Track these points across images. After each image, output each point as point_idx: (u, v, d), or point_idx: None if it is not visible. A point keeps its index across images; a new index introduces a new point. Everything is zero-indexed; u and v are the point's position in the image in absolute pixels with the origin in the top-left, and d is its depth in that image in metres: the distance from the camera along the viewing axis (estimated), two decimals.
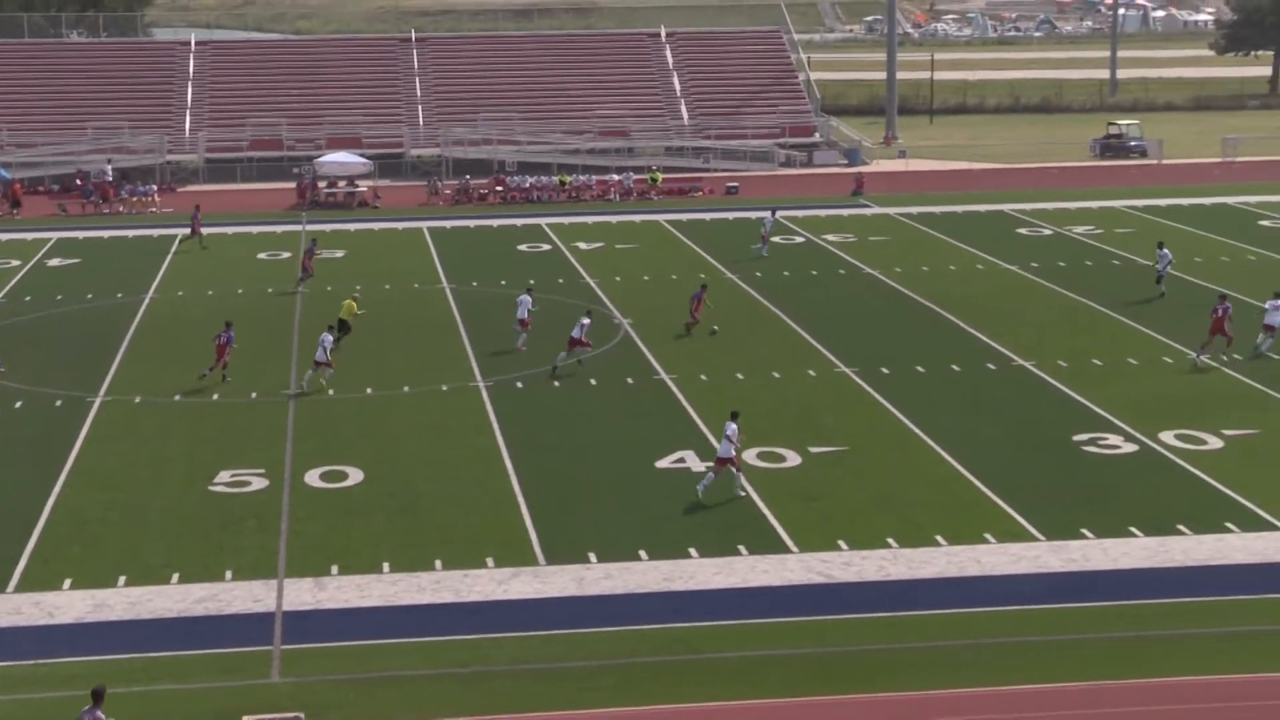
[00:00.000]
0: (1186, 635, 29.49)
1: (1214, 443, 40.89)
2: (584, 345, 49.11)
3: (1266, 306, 50.51)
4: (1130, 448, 40.64)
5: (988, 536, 34.53)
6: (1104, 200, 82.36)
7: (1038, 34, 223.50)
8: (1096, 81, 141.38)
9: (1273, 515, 35.47)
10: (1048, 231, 73.52)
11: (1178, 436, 41.38)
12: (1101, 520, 35.31)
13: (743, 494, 37.25)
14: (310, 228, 75.64)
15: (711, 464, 37.80)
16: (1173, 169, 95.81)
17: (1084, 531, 34.67)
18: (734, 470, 37.21)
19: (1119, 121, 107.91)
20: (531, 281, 57.98)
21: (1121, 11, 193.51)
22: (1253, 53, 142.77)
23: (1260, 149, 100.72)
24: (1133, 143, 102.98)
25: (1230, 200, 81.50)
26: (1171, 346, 51.00)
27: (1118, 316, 55.49)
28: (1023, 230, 73.97)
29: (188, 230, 72.66)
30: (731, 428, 37.15)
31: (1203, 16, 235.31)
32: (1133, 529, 34.75)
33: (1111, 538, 34.31)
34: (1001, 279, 62.49)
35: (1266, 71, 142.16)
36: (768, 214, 70.70)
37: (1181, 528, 34.81)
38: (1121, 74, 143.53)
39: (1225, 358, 49.19)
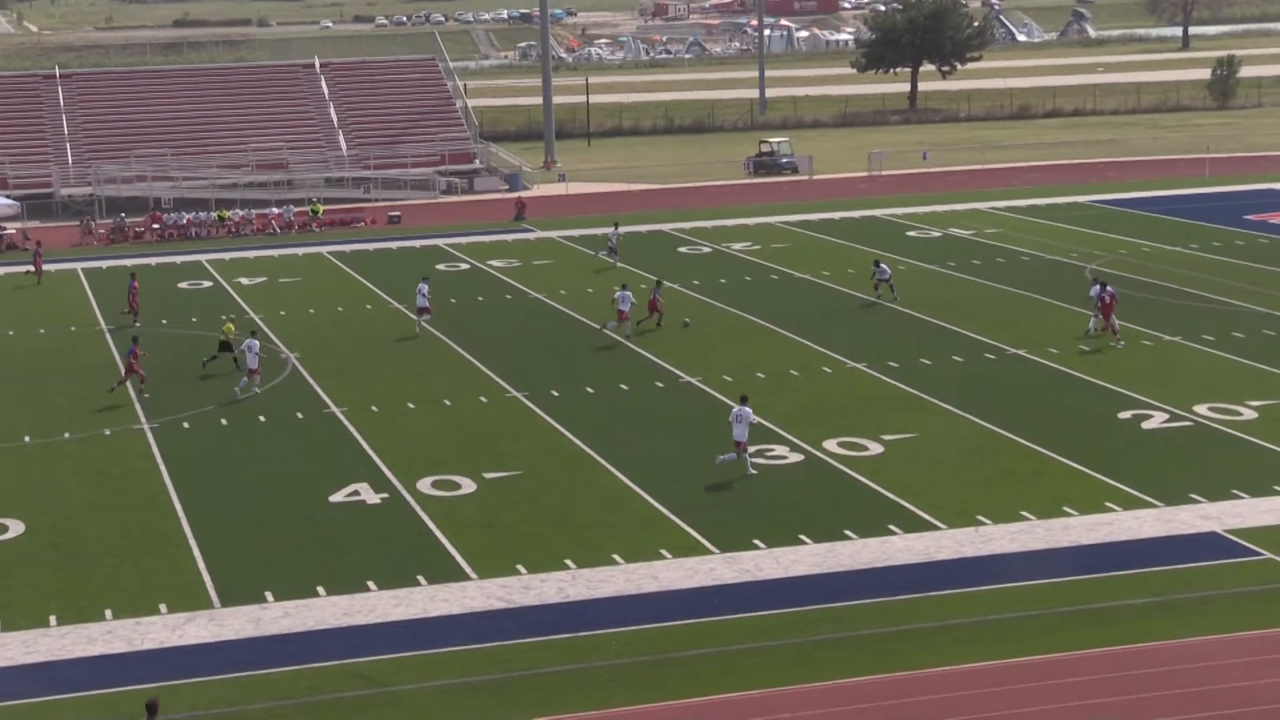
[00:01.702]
0: (856, 636, 30.42)
1: (875, 448, 42.27)
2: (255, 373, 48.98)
3: (1092, 294, 54.26)
4: (796, 457, 41.74)
5: (664, 552, 35.07)
6: (759, 217, 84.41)
7: (688, 56, 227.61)
8: (747, 101, 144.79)
9: (933, 516, 36.83)
10: (707, 249, 75.02)
11: (840, 444, 42.65)
12: (772, 530, 36.18)
13: (754, 473, 39.76)
14: (86, 264, 72.87)
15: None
16: (823, 184, 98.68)
17: (756, 542, 35.47)
18: (744, 453, 39.76)
19: (770, 139, 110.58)
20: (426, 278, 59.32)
21: (767, 33, 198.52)
22: (892, 70, 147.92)
23: (902, 163, 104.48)
24: (784, 160, 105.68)
25: (878, 213, 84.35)
26: (830, 356, 52.54)
27: (778, 329, 56.91)
28: (683, 249, 75.33)
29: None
30: (746, 410, 39.91)
31: (843, 36, 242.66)
32: (802, 537, 35.69)
33: (782, 546, 35.18)
34: (666, 298, 63.45)
35: (905, 88, 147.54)
36: (611, 229, 72.65)
37: (848, 533, 35.89)
38: (770, 93, 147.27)
39: (1117, 340, 52.41)
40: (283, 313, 62.61)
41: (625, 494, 39.30)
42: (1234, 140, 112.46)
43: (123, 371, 50.54)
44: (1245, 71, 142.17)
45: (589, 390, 49.30)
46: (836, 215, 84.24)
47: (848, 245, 74.26)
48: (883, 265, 61.72)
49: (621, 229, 73.95)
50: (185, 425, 46.54)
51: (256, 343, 49.86)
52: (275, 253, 78.41)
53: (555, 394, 48.86)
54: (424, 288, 58.64)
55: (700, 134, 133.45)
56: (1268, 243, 70.88)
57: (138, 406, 48.79)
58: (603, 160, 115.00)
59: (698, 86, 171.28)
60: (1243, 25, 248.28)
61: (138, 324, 60.09)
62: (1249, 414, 44.13)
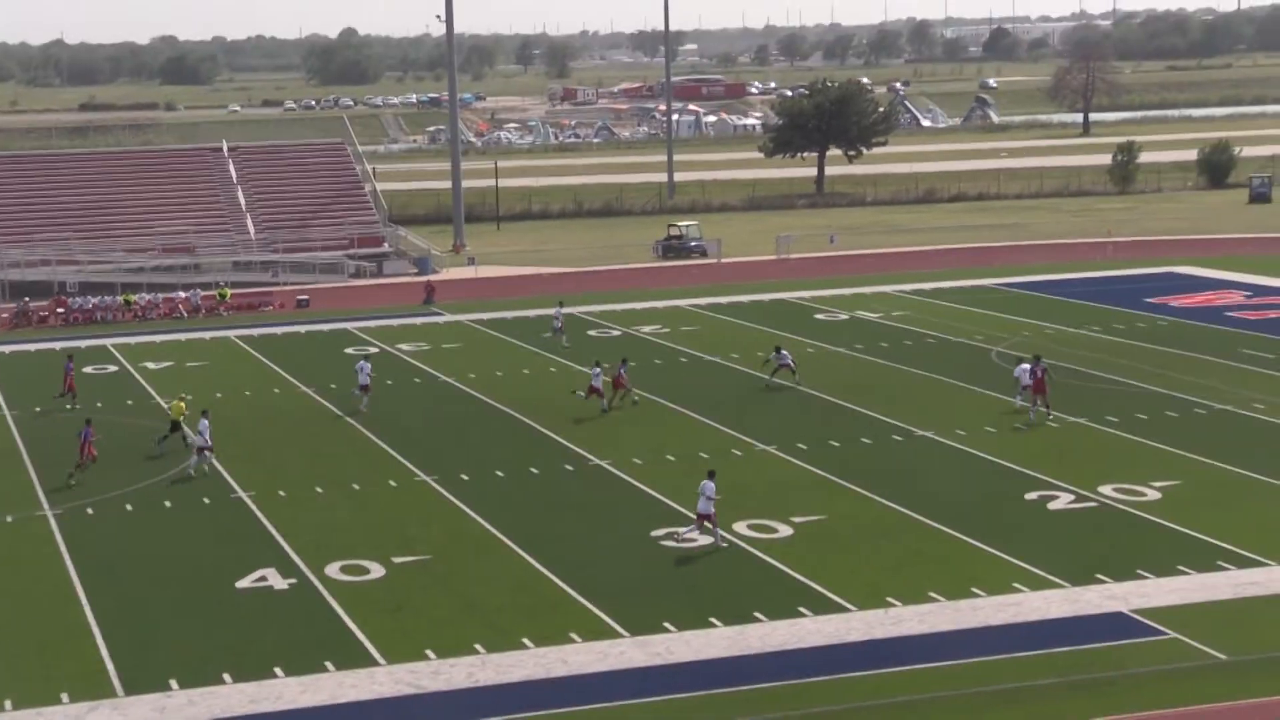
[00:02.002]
0: None
1: (784, 530, 42.40)
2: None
3: (1017, 374, 55.96)
4: (706, 540, 41.75)
5: (574, 636, 34.95)
6: (669, 300, 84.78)
7: (597, 140, 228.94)
8: (655, 185, 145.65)
9: (843, 598, 36.94)
10: (616, 332, 75.21)
11: (750, 526, 42.75)
12: (683, 612, 36.16)
13: (725, 544, 40.74)
14: None
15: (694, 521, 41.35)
16: (732, 267, 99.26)
17: (666, 625, 35.43)
18: (710, 525, 40.74)
19: (679, 223, 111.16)
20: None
21: (675, 117, 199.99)
22: (799, 155, 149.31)
23: (810, 246, 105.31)
24: (693, 243, 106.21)
25: (786, 295, 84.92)
26: (740, 439, 52.72)
27: (688, 412, 57.05)
28: (593, 332, 75.46)
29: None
30: (710, 486, 40.64)
31: (751, 121, 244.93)
32: (713, 619, 35.68)
33: (693, 629, 35.16)
34: (576, 380, 63.55)
35: (813, 172, 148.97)
36: (556, 309, 73.32)
37: (758, 615, 35.92)
38: (679, 177, 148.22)
39: (1049, 416, 53.76)
40: (189, 397, 62.02)
41: (535, 577, 39.17)
42: (1134, 224, 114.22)
43: (80, 458, 49.92)
44: (1144, 157, 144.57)
45: (498, 473, 49.19)
46: (745, 298, 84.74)
47: (757, 328, 74.66)
48: (783, 351, 61.91)
49: (562, 309, 73.93)
50: (90, 511, 45.99)
51: (206, 423, 50.15)
52: (182, 336, 77.84)
53: (465, 477, 48.71)
54: (366, 366, 59.83)
55: (609, 217, 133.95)
56: (1168, 325, 71.92)
57: (40, 492, 48.18)
58: (512, 244, 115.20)
59: (606, 170, 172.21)
60: (1140, 112, 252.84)
61: (75, 406, 59.27)
62: (1152, 494, 44.64)
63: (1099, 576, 37.83)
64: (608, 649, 34.23)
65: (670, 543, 41.35)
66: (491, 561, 40.57)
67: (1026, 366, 55.75)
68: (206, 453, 50.05)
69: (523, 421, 56.28)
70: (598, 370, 58.26)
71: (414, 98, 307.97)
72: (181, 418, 53.29)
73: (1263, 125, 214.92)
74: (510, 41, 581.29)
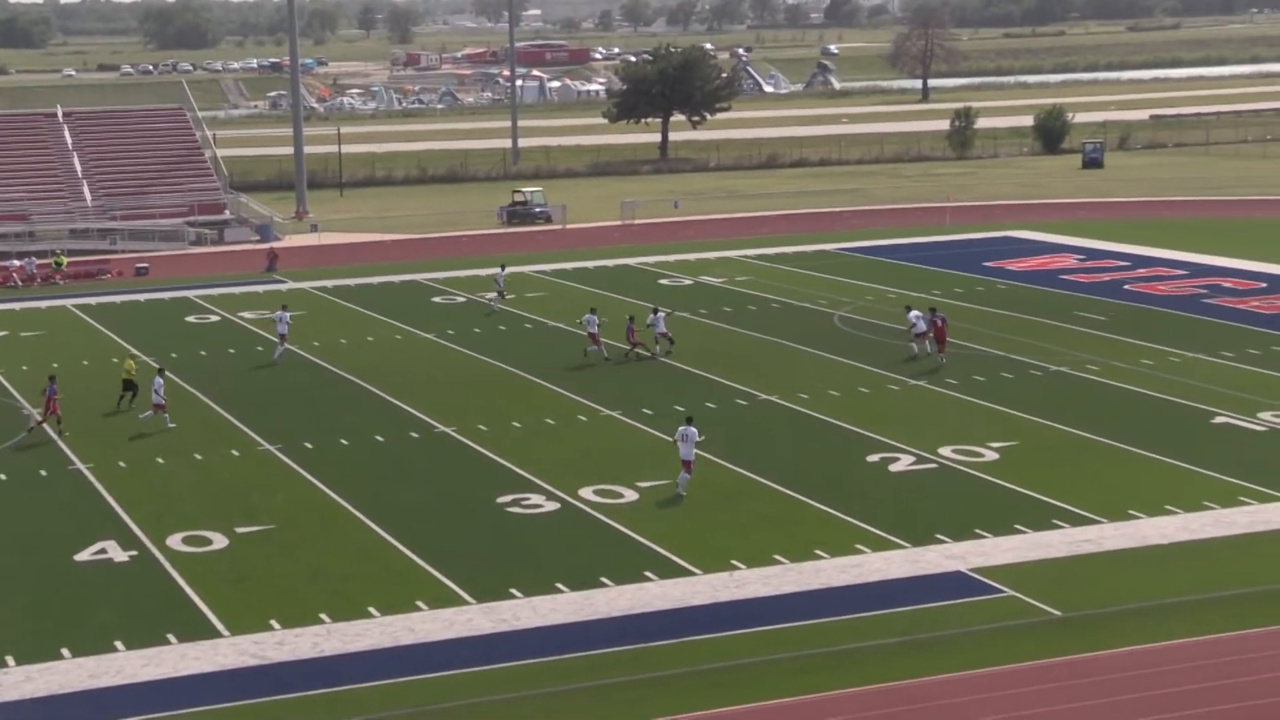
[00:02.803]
0: (611, 684, 30.57)
1: (630, 495, 42.60)
2: None
3: (911, 318, 58.38)
4: (552, 506, 41.88)
5: (420, 604, 34.88)
6: (514, 266, 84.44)
7: (441, 106, 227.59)
8: (500, 151, 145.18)
9: (688, 562, 37.22)
10: (461, 299, 74.96)
11: (596, 492, 42.90)
12: (529, 579, 36.23)
13: (683, 495, 41.95)
14: None
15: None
16: (576, 233, 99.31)
17: (513, 591, 35.48)
18: (686, 474, 42.01)
19: (523, 189, 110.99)
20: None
21: (519, 83, 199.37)
22: (643, 120, 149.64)
23: (654, 211, 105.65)
24: (537, 209, 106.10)
25: (631, 261, 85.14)
26: (585, 405, 52.85)
27: (533, 379, 57.07)
28: (438, 299, 75.14)
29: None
30: (691, 430, 41.97)
31: (595, 86, 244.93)
32: (559, 585, 35.80)
33: (539, 595, 35.25)
34: (420, 348, 63.32)
35: (656, 138, 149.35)
36: (498, 270, 73.81)
37: (604, 580, 36.09)
38: (523, 143, 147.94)
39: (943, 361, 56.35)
40: (25, 367, 60.96)
41: (381, 546, 39.02)
42: (972, 189, 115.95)
43: (42, 412, 50.39)
44: (981, 123, 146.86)
45: (343, 442, 48.88)
46: (590, 264, 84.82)
47: (602, 294, 74.76)
48: (660, 313, 61.88)
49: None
50: None
51: (160, 380, 51.07)
52: (17, 306, 76.32)
53: (309, 446, 48.34)
54: (285, 315, 61.45)
55: (454, 183, 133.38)
56: (1006, 288, 73.14)
57: None
58: (356, 210, 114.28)
59: (451, 136, 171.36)
60: (978, 79, 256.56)
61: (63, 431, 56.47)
62: (990, 455, 45.46)
63: (939, 537, 38.47)
64: (454, 616, 34.21)
65: (516, 509, 41.41)
66: (337, 530, 40.34)
67: (918, 313, 57.98)
68: (161, 410, 50.70)
69: (368, 389, 55.95)
70: (591, 318, 60.57)
71: (255, 63, 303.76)
72: (134, 375, 53.77)
73: (1095, 92, 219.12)
74: (352, 6, 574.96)
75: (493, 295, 72.50)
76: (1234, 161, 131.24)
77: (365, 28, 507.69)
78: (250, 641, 32.94)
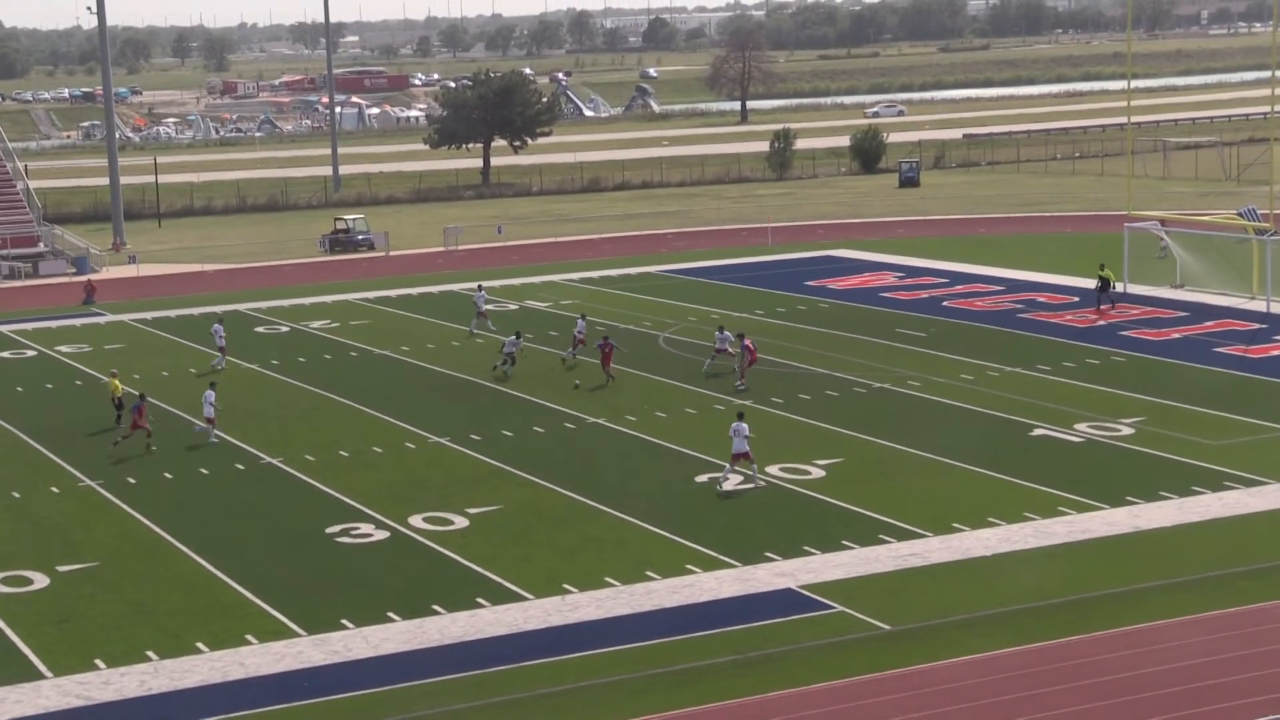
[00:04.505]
0: (447, 712, 30.45)
1: (460, 522, 42.46)
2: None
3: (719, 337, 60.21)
4: (382, 534, 41.61)
5: (249, 638, 34.44)
6: (337, 294, 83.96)
7: (259, 134, 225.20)
8: (321, 178, 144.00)
9: (520, 587, 37.18)
10: (285, 328, 74.21)
11: (426, 520, 42.71)
12: (360, 609, 35.94)
13: (763, 483, 44.26)
14: None
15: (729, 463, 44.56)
16: (400, 260, 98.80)
17: (344, 622, 35.18)
18: (749, 461, 44.15)
19: (345, 216, 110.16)
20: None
21: (339, 110, 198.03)
22: (464, 146, 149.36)
23: (478, 237, 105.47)
24: (360, 237, 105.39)
25: (455, 287, 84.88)
26: (413, 432, 52.59)
27: (360, 407, 56.66)
28: (260, 329, 74.33)
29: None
30: (744, 426, 44.02)
31: (415, 112, 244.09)
32: (391, 614, 35.57)
33: (371, 625, 34.99)
34: (244, 378, 62.56)
35: (478, 163, 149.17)
36: (477, 292, 72.80)
37: (437, 608, 35.92)
38: (344, 170, 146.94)
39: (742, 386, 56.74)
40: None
41: (208, 580, 38.48)
42: (792, 209, 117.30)
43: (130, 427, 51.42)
44: (800, 144, 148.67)
45: (167, 475, 48.14)
46: (415, 290, 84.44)
47: (427, 320, 74.49)
48: (517, 338, 62.01)
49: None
50: None
51: (212, 393, 52.47)
52: None
53: (131, 481, 47.54)
54: (219, 328, 65.19)
55: (274, 212, 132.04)
56: (828, 307, 74.08)
57: None
58: (174, 241, 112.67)
59: (270, 165, 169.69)
60: (796, 100, 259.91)
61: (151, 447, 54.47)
62: (817, 473, 46.00)
63: (768, 555, 38.83)
64: (285, 649, 33.83)
65: (345, 539, 41.09)
66: (163, 566, 39.71)
67: (729, 335, 59.32)
68: (211, 424, 52.13)
69: (192, 422, 55.13)
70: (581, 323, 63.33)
71: (66, 92, 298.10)
72: (121, 395, 54.16)
73: (909, 111, 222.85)
74: (166, 34, 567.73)
75: (474, 322, 71.18)
76: (1044, 178, 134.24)
77: (180, 56, 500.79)
78: (74, 682, 32.28)
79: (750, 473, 44.84)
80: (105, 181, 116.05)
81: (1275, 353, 60.57)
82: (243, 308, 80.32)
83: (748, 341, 58.34)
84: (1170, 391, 54.54)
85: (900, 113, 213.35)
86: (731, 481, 44.75)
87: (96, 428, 54.82)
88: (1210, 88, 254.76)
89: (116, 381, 55.18)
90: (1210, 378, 56.98)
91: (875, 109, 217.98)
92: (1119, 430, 49.68)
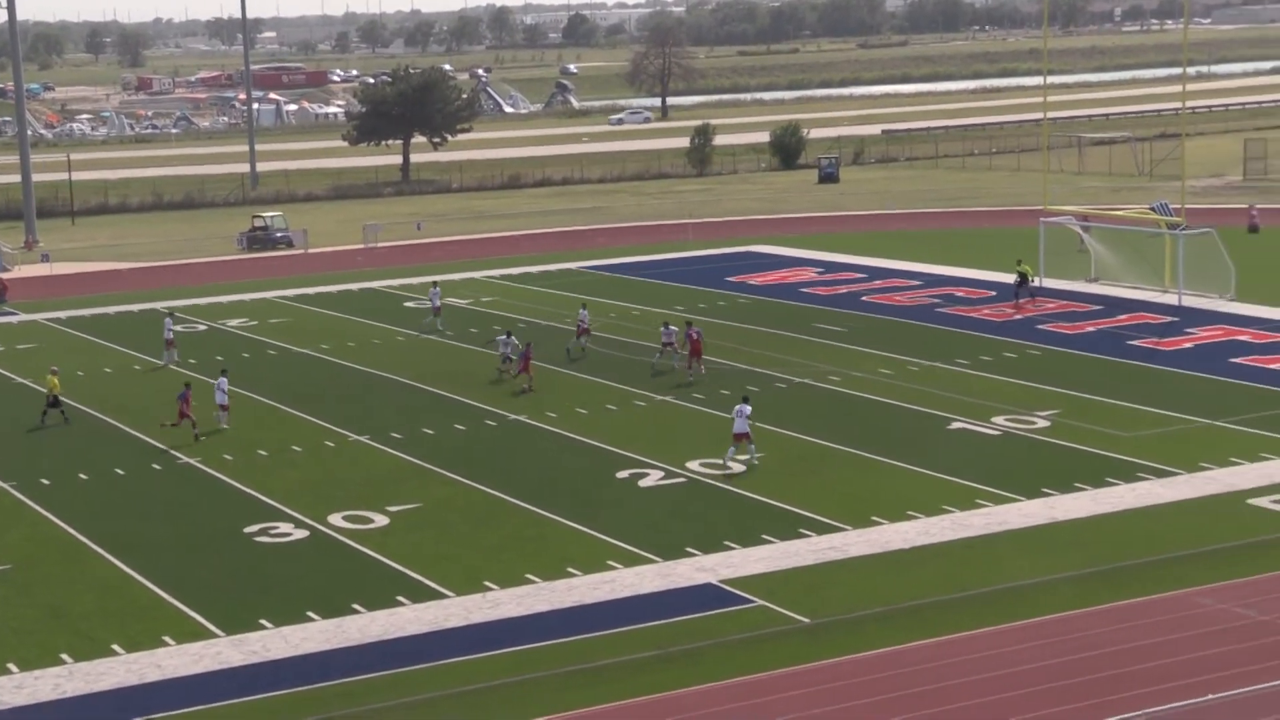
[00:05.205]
0: (367, 711, 30.35)
1: (380, 520, 42.32)
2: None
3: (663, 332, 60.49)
4: (301, 534, 41.40)
5: (167, 639, 34.20)
6: (256, 292, 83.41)
7: (176, 131, 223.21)
8: (238, 175, 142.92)
9: (441, 585, 37.10)
10: (202, 327, 73.65)
11: (346, 518, 42.53)
12: (279, 609, 35.76)
13: (757, 460, 45.91)
14: None
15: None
16: (319, 257, 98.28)
17: (263, 622, 34.98)
18: (748, 442, 45.83)
19: (263, 214, 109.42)
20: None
21: (256, 106, 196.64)
22: (383, 142, 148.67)
23: (398, 234, 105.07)
24: (278, 234, 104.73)
25: (375, 284, 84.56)
26: (333, 430, 52.35)
27: (279, 405, 56.34)
28: (177, 328, 73.61)
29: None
30: (746, 408, 46.08)
31: (333, 109, 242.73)
32: (310, 613, 35.40)
33: (290, 625, 34.81)
34: (161, 378, 62.04)
35: (398, 160, 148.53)
36: (433, 288, 72.61)
37: (357, 606, 35.78)
38: (262, 167, 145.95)
39: (692, 377, 57.44)
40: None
41: (125, 581, 38.16)
42: (713, 205, 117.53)
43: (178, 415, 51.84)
44: (720, 140, 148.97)
45: (82, 476, 47.69)
46: (334, 288, 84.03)
47: (346, 318, 74.16)
48: (511, 337, 60.98)
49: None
50: None
51: (225, 379, 53.72)
52: None
53: (45, 482, 47.07)
54: (169, 321, 65.97)
55: (191, 210, 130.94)
56: (748, 302, 74.30)
57: None
58: (89, 239, 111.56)
59: (187, 162, 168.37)
60: (716, 96, 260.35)
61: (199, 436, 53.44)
62: (737, 467, 46.12)
63: (689, 550, 38.92)
64: (203, 650, 33.61)
65: (264, 539, 40.85)
66: (77, 568, 39.34)
67: (674, 329, 59.70)
68: (224, 410, 53.12)
69: (107, 422, 54.67)
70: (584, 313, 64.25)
71: None
72: (58, 392, 54.51)
73: (828, 108, 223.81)
74: (79, 29, 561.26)
75: (428, 321, 70.73)
76: (962, 174, 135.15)
77: (94, 51, 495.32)
78: None
79: (749, 454, 46.13)
80: (17, 179, 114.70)
81: (1187, 345, 61.30)
82: (159, 306, 79.62)
83: (692, 331, 58.76)
84: (1085, 384, 55.09)
85: (646, 119, 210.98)
86: (737, 461, 46.20)
87: (9, 428, 54.25)
88: (1124, 84, 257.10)
89: (55, 380, 54.82)
90: (1124, 370, 57.61)
91: (620, 117, 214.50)
92: (1035, 423, 50.14)
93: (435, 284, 74.73)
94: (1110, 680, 30.30)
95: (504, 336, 60.54)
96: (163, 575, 38.32)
